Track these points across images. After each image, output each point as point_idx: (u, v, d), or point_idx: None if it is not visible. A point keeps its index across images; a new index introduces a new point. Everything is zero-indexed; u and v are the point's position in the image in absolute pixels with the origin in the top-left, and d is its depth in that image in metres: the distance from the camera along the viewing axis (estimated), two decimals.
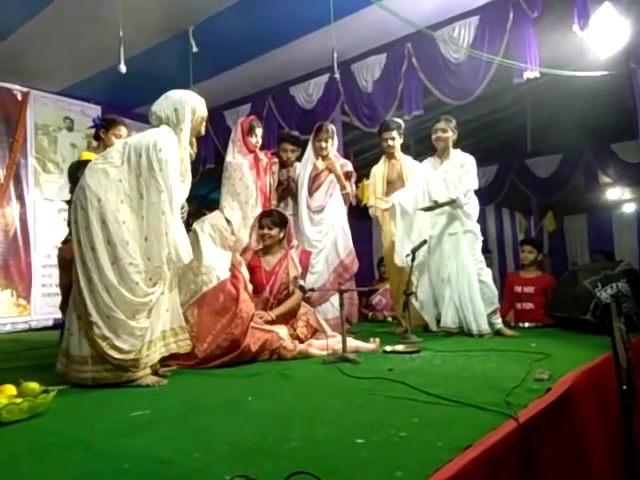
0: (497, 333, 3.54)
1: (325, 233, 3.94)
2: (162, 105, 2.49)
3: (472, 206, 3.67)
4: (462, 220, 3.61)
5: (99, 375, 2.26)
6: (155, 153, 2.32)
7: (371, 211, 4.30)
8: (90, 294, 2.25)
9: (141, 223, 2.33)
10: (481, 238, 3.68)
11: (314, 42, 4.87)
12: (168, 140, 2.39)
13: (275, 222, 3.35)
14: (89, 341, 2.26)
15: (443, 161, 3.76)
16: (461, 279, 3.55)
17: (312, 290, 3.36)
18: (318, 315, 3.49)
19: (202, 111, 2.57)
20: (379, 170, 4.21)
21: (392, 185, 4.12)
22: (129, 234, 2.29)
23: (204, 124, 2.63)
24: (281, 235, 3.37)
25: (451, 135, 3.72)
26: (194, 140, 2.62)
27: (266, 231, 3.32)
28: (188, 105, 2.48)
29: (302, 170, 4.04)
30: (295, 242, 3.60)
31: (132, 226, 2.31)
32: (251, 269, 3.23)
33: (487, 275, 3.63)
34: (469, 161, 3.70)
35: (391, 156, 4.17)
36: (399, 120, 4.23)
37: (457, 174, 3.67)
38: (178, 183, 2.39)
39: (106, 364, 2.25)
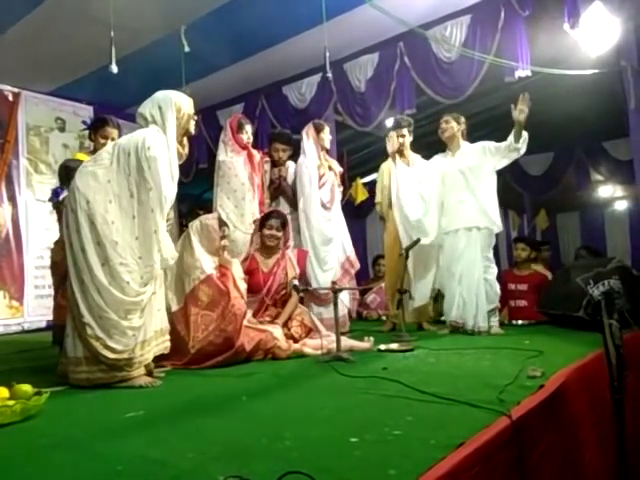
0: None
1: (335, 230, 4.01)
2: (147, 106, 2.50)
3: (493, 200, 3.70)
4: (482, 215, 3.62)
5: (93, 375, 2.28)
6: (144, 152, 2.33)
7: (377, 207, 4.31)
8: (82, 295, 2.27)
9: (131, 222, 2.33)
10: (497, 231, 3.71)
11: (306, 41, 4.86)
12: (156, 139, 2.39)
13: (283, 223, 3.39)
14: (82, 342, 2.27)
15: (455, 152, 3.78)
16: (470, 275, 3.58)
17: (306, 290, 3.37)
18: (312, 315, 3.50)
19: (188, 109, 2.55)
20: (387, 167, 4.20)
21: None
22: (118, 234, 2.29)
23: (192, 123, 2.61)
24: (283, 237, 3.42)
25: (456, 125, 3.76)
26: (185, 140, 2.62)
27: (274, 232, 3.35)
28: (172, 103, 2.48)
29: (306, 169, 3.99)
30: (291, 242, 3.61)
31: (122, 226, 2.31)
32: (249, 271, 3.23)
33: (492, 274, 3.65)
34: (487, 142, 3.73)
35: (400, 154, 4.18)
36: (409, 118, 4.27)
37: (473, 162, 3.68)
38: (168, 181, 2.39)
39: (100, 364, 2.26)
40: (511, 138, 3.57)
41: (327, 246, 3.91)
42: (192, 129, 2.61)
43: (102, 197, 2.30)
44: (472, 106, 5.50)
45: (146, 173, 2.32)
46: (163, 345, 2.48)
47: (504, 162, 3.73)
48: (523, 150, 3.63)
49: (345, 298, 3.89)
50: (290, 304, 3.29)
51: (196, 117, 2.65)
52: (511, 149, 3.61)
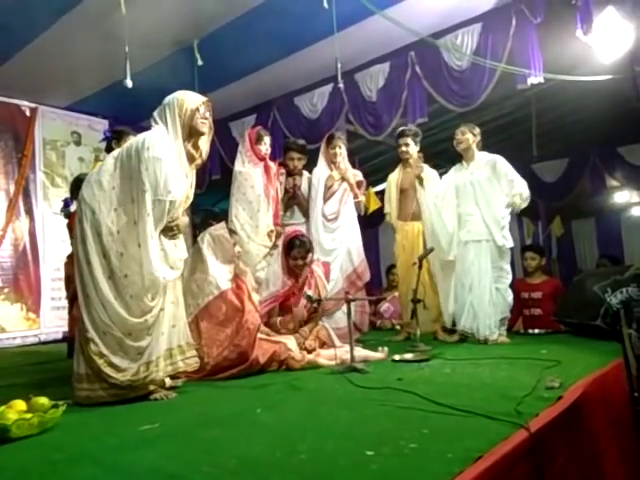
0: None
1: (340, 241, 3.98)
2: (159, 107, 2.44)
3: (498, 215, 3.67)
4: (487, 229, 3.62)
5: (94, 394, 2.20)
6: (143, 152, 2.23)
7: (387, 218, 4.33)
8: (86, 310, 2.21)
9: (134, 228, 2.24)
10: (508, 246, 3.67)
11: (318, 52, 4.89)
12: (158, 139, 2.30)
13: (307, 250, 3.35)
14: (85, 358, 2.21)
15: (469, 164, 3.79)
16: (482, 286, 3.59)
17: (319, 300, 3.35)
18: (329, 326, 3.48)
19: (191, 104, 2.38)
20: (394, 178, 4.26)
21: (405, 193, 4.18)
22: (123, 245, 2.22)
23: (201, 120, 2.41)
24: (310, 257, 3.39)
25: (471, 137, 3.75)
26: (204, 144, 2.49)
27: (299, 262, 3.32)
28: (175, 99, 2.39)
29: (315, 180, 4.06)
30: (315, 257, 3.59)
31: (126, 234, 2.24)
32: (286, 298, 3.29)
33: (503, 283, 3.64)
34: (500, 160, 3.70)
35: (406, 164, 4.20)
36: (416, 128, 4.31)
37: (484, 174, 3.68)
38: (171, 183, 2.27)
39: (102, 382, 2.19)
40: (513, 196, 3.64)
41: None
42: (200, 127, 2.41)
43: (107, 206, 2.24)
44: (484, 114, 5.49)
45: (143, 174, 2.22)
46: (186, 362, 2.38)
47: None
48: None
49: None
50: (314, 320, 3.33)
51: (207, 115, 2.45)
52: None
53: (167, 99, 2.44)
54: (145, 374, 2.22)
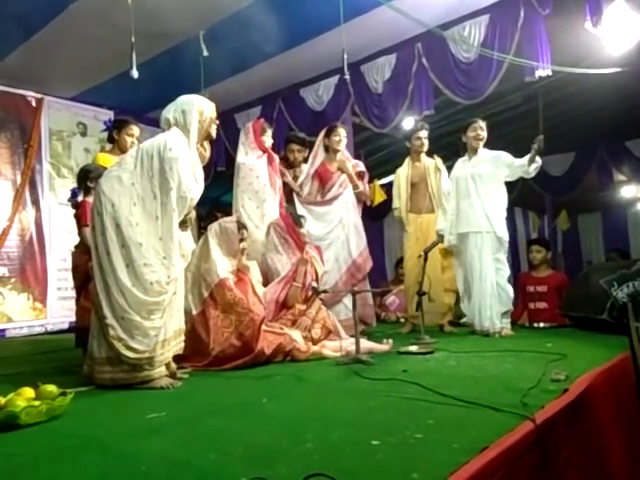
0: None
1: (330, 230, 3.94)
2: (171, 109, 2.56)
3: (499, 208, 3.70)
4: (488, 221, 3.63)
5: (116, 376, 2.33)
6: (166, 153, 2.38)
7: (396, 213, 4.31)
8: (106, 297, 2.31)
9: (155, 223, 2.38)
10: (506, 239, 3.68)
11: (324, 44, 4.87)
12: (178, 140, 2.45)
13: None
14: (106, 343, 2.31)
15: (472, 158, 3.81)
16: (483, 278, 3.61)
17: (325, 292, 3.36)
18: (334, 318, 3.49)
19: (210, 112, 2.61)
20: (403, 172, 4.26)
21: (416, 187, 4.19)
22: (142, 236, 2.34)
23: (214, 126, 2.66)
24: None
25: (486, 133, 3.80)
26: (207, 144, 2.66)
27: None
28: (195, 106, 2.53)
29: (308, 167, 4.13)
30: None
31: (146, 227, 2.35)
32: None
33: (502, 277, 3.64)
34: (503, 152, 3.75)
35: (416, 158, 4.20)
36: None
37: (486, 168, 3.71)
38: (191, 182, 2.43)
39: (122, 365, 2.31)
40: (525, 161, 3.60)
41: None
42: (213, 133, 2.66)
43: (127, 200, 2.35)
44: (491, 106, 5.46)
45: (167, 174, 2.37)
46: (179, 346, 2.53)
47: (509, 178, 3.76)
48: (532, 175, 3.68)
49: (349, 303, 3.79)
50: (316, 303, 3.33)
51: (217, 121, 2.70)
52: (522, 171, 3.65)
53: (185, 104, 2.55)
54: (161, 351, 2.36)
